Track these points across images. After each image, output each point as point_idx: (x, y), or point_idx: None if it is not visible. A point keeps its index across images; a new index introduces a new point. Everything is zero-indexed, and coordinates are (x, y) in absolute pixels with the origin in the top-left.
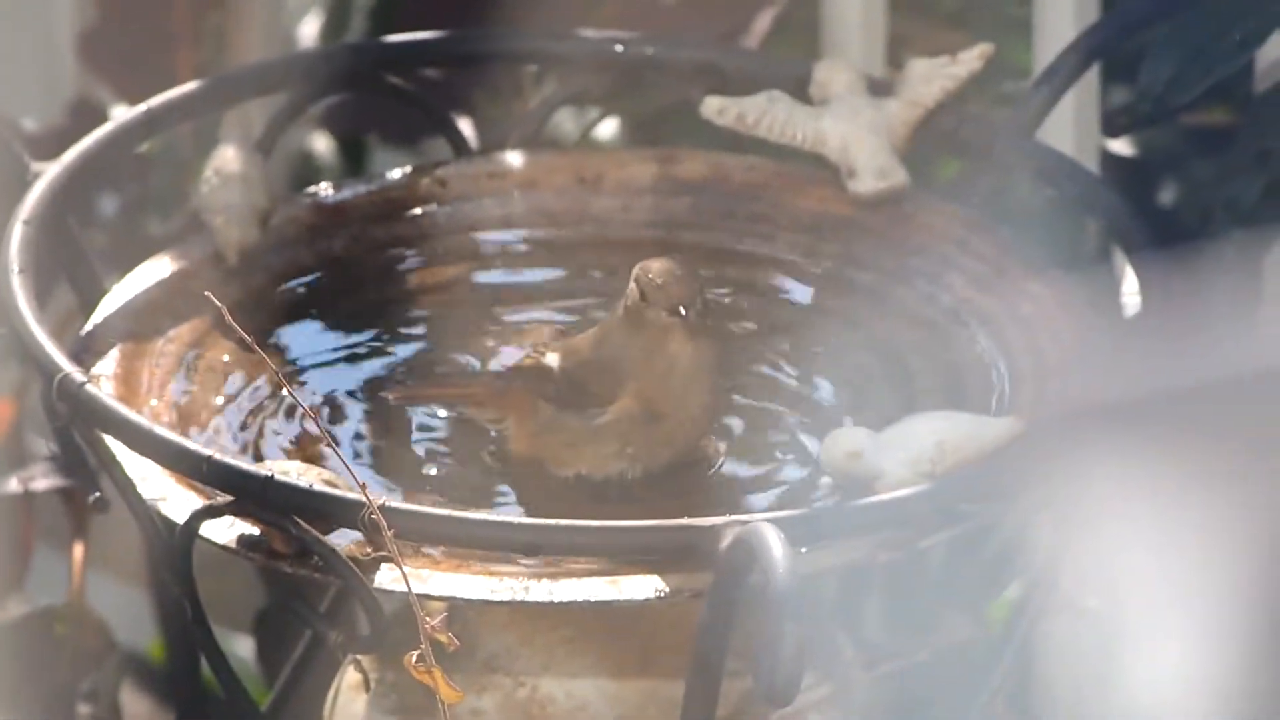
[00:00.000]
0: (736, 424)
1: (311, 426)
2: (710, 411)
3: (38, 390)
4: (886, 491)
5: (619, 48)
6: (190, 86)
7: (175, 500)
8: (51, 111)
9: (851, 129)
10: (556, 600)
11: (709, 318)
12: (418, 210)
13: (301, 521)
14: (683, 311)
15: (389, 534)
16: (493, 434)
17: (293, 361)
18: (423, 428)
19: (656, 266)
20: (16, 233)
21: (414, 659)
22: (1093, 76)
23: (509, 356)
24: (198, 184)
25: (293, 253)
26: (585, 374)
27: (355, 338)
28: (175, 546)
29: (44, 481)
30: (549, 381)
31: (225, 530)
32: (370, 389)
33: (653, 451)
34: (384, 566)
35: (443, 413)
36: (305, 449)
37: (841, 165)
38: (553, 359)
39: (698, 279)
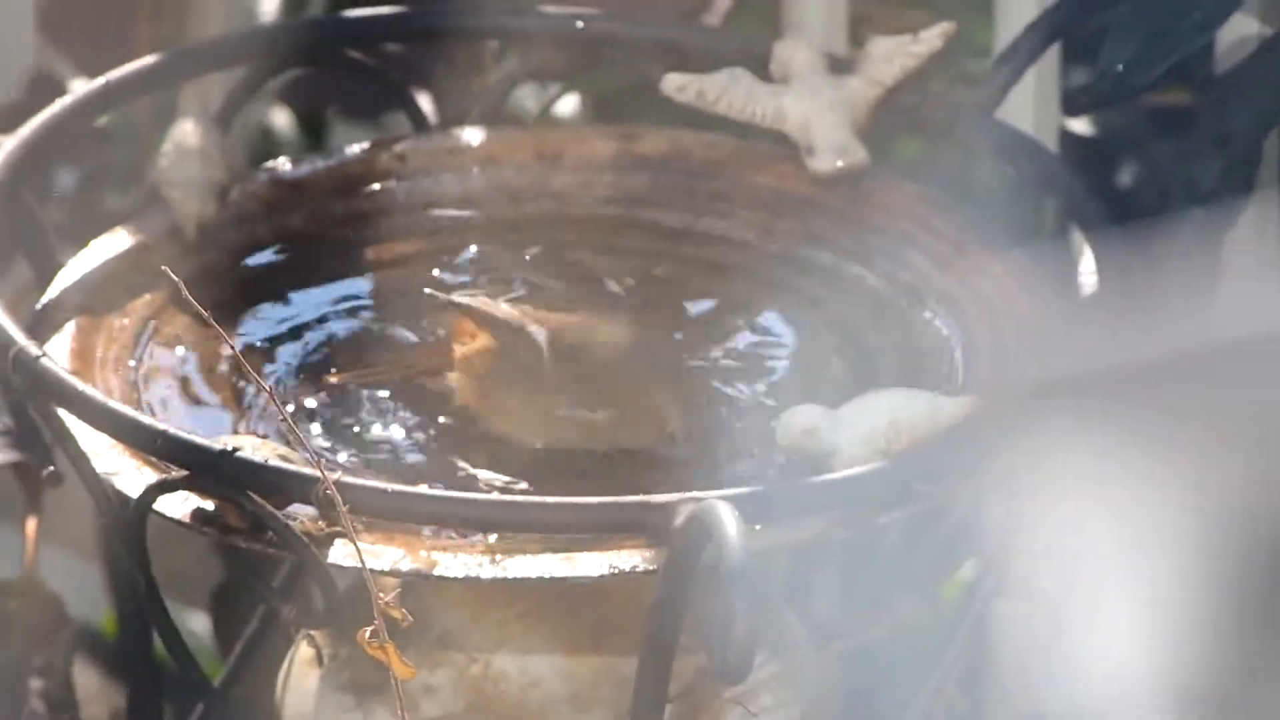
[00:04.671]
0: (692, 401)
1: (266, 401)
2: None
3: None
4: (841, 469)
5: (580, 24)
6: (149, 60)
7: (129, 475)
8: (10, 85)
9: (812, 107)
10: (510, 577)
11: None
12: (377, 186)
13: (256, 497)
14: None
15: (343, 509)
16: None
17: (250, 336)
18: (378, 402)
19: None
20: None
21: (367, 635)
22: (1053, 56)
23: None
24: (156, 158)
25: (251, 228)
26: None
27: (312, 313)
28: (129, 521)
29: None
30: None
31: (179, 505)
32: (327, 364)
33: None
34: (338, 542)
35: (397, 387)
36: (260, 423)
37: (801, 143)
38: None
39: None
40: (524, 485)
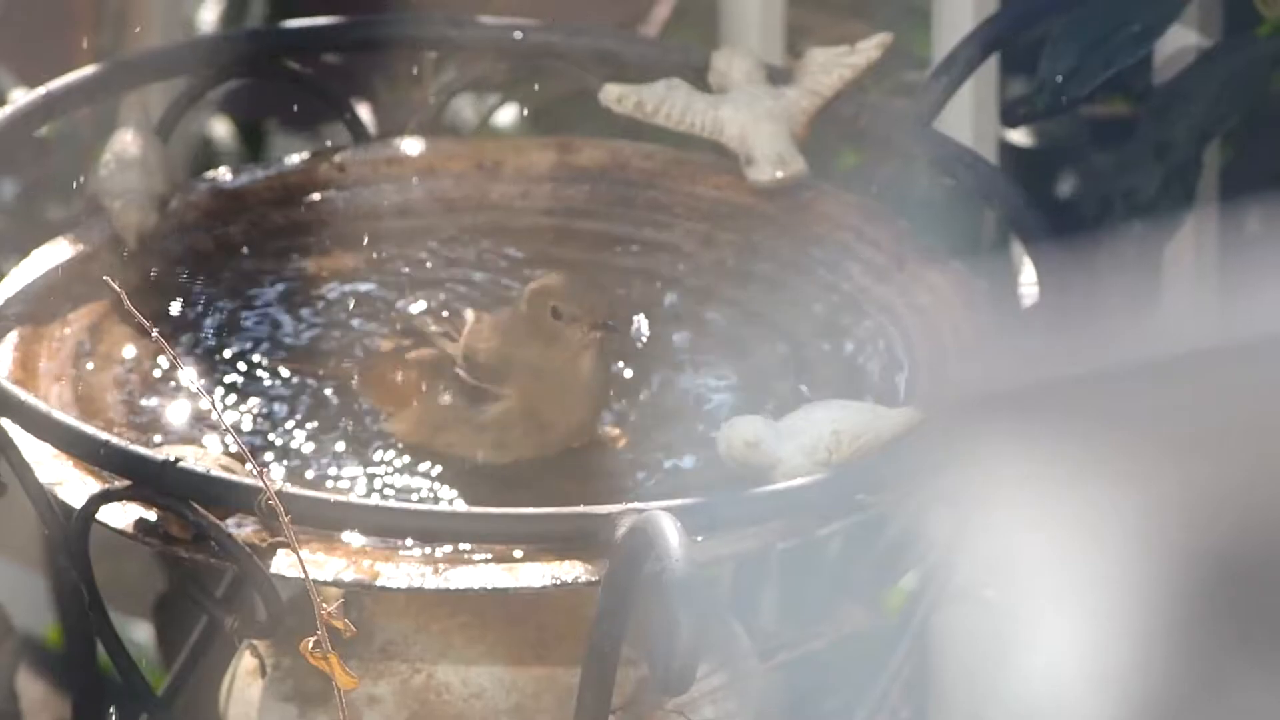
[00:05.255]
0: (634, 411)
1: (208, 410)
2: (595, 417)
3: None
4: (783, 480)
5: (518, 35)
6: (90, 70)
7: (72, 485)
8: None
9: (750, 117)
10: (453, 587)
11: (618, 331)
12: (316, 196)
13: (198, 507)
14: (605, 327)
15: (285, 519)
16: (381, 418)
17: (191, 346)
18: (319, 413)
19: (559, 284)
20: None
21: (310, 645)
22: (992, 66)
23: (401, 339)
24: (96, 168)
25: (191, 238)
26: (482, 363)
27: (252, 323)
28: (72, 531)
29: None
30: (447, 367)
31: (122, 515)
32: (267, 373)
33: (528, 448)
34: (281, 552)
35: (338, 398)
36: (202, 433)
37: (740, 153)
38: (456, 347)
39: (605, 292)
40: (463, 498)
